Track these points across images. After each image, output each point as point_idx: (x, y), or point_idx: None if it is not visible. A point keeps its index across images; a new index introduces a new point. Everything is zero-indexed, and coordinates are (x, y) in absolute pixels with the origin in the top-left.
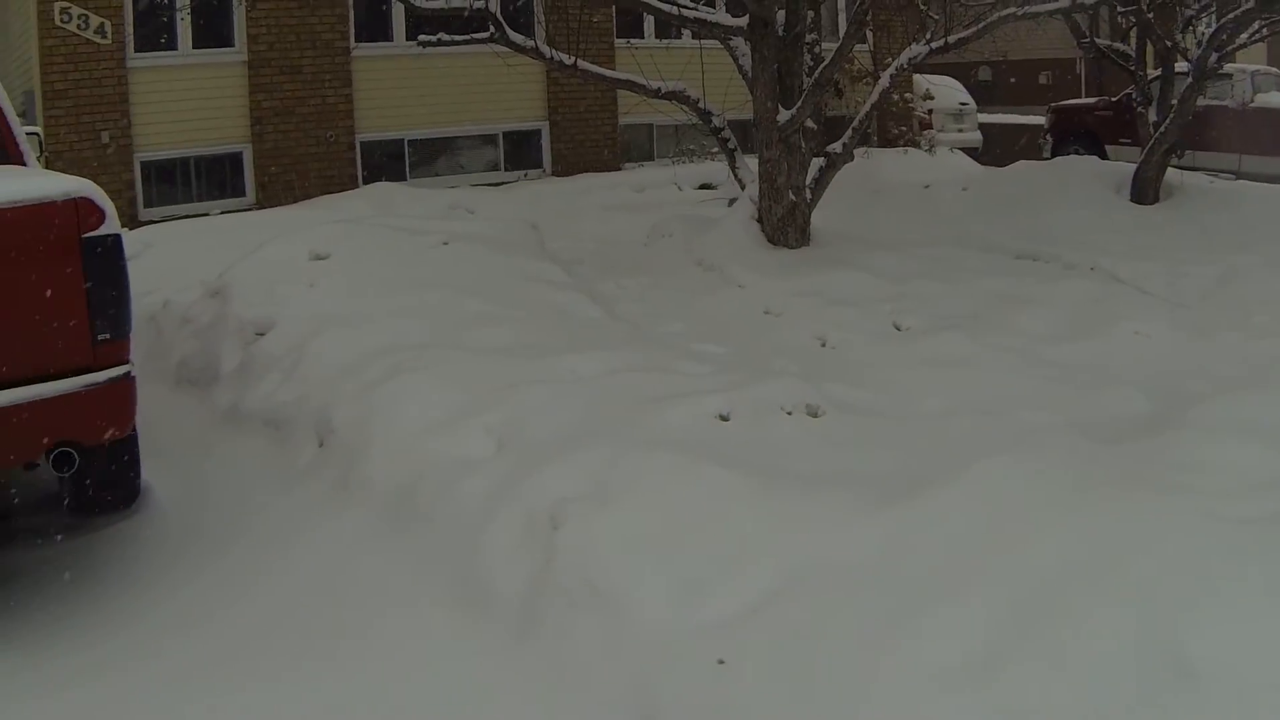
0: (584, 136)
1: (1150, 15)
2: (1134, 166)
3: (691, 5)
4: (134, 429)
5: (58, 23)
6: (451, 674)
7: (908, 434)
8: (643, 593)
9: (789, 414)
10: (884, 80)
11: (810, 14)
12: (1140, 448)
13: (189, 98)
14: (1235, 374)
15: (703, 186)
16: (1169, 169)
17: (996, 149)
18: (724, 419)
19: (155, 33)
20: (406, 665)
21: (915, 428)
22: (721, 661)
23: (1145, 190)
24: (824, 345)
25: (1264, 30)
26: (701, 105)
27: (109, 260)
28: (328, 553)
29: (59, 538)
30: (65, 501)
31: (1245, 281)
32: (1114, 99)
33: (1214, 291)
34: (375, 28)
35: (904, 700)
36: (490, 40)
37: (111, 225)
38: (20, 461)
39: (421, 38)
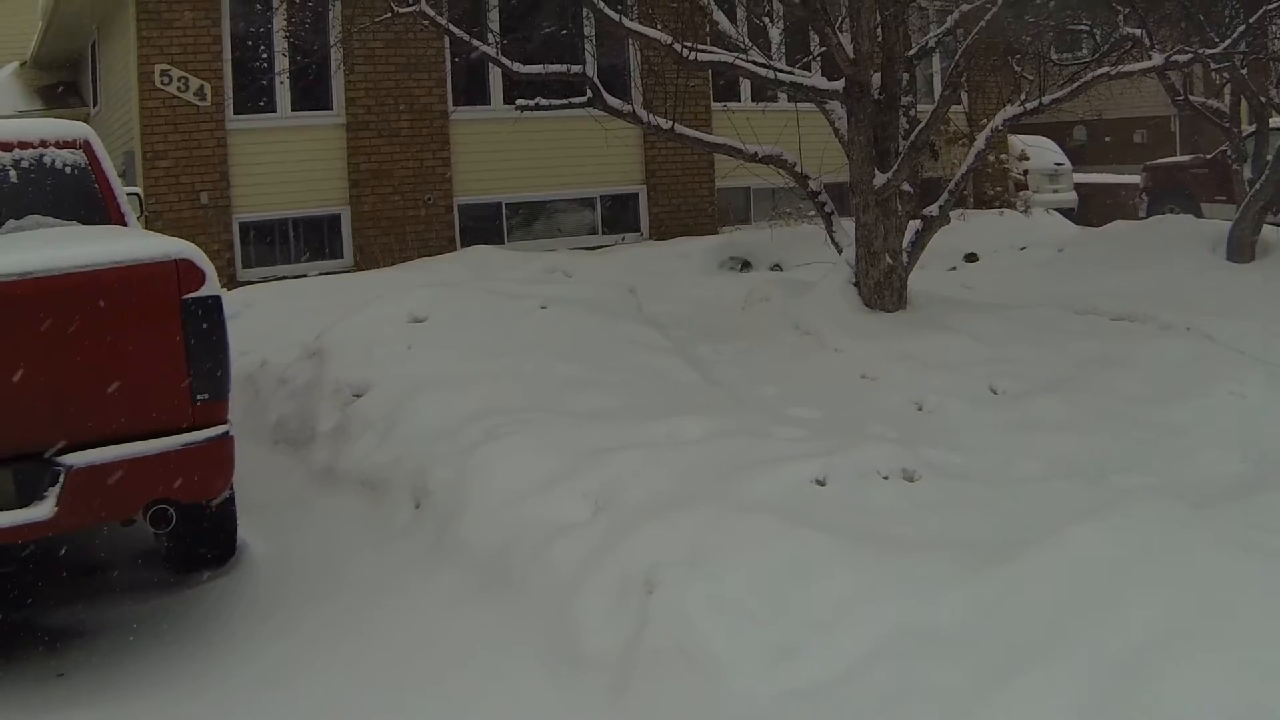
0: (681, 200)
1: (1244, 71)
2: (1229, 225)
3: (787, 69)
4: (231, 487)
5: (158, 85)
6: None
7: (1002, 498)
8: (735, 658)
9: (885, 479)
10: (979, 142)
11: (905, 77)
12: (1235, 510)
13: (288, 160)
14: None
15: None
16: (1265, 226)
17: (1093, 209)
18: (820, 484)
19: (255, 95)
20: None
21: (1010, 492)
22: None
23: (1241, 248)
24: (920, 409)
25: None
26: (798, 169)
27: (209, 321)
28: (421, 613)
29: (156, 593)
30: (163, 558)
31: None
32: (1209, 156)
33: None
34: (473, 92)
35: None
36: (587, 105)
37: (212, 286)
38: (119, 518)
39: (519, 102)
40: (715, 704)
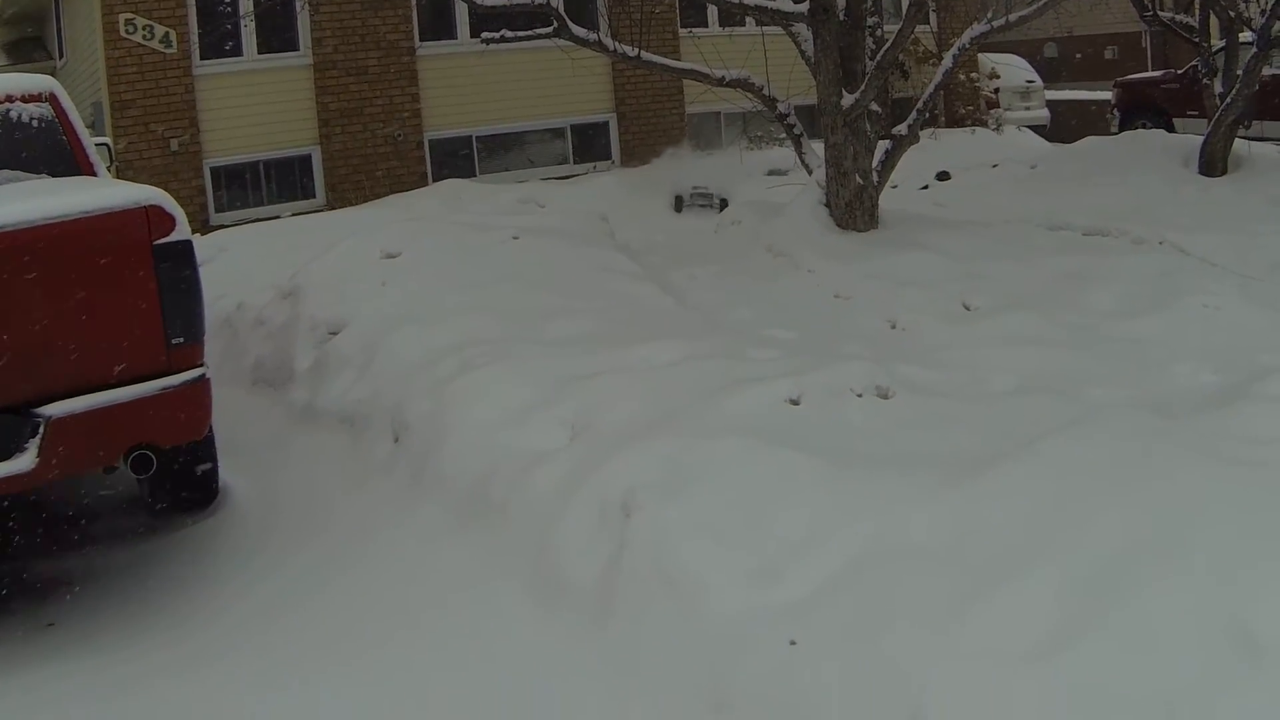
0: (651, 126)
1: None
2: (1201, 139)
3: None
4: (210, 430)
5: (123, 34)
6: (525, 662)
7: (977, 413)
8: (715, 578)
9: (859, 396)
10: (947, 60)
11: None
12: (1209, 422)
13: (256, 102)
14: None
15: (771, 173)
16: (1236, 140)
17: (1065, 126)
18: (794, 403)
19: (220, 40)
20: (481, 654)
21: (985, 407)
22: (793, 643)
23: (1213, 163)
24: (894, 327)
25: None
26: (766, 92)
27: (181, 266)
28: (404, 546)
29: (141, 539)
30: (145, 503)
31: None
32: (1180, 72)
33: None
34: (439, 26)
35: (974, 679)
36: (553, 35)
37: (182, 231)
38: (100, 466)
39: (485, 35)
40: (696, 624)
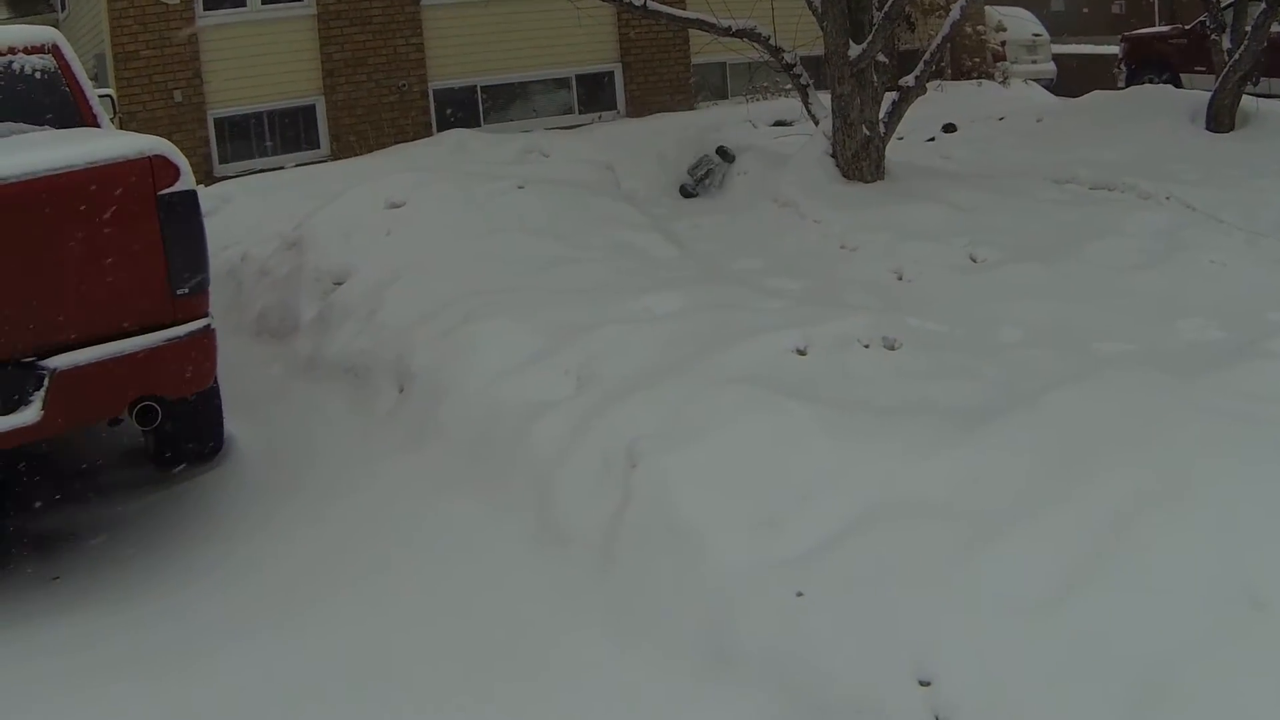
0: (656, 77)
1: None
2: (1209, 95)
3: None
4: (215, 381)
5: None
6: (527, 611)
7: (983, 365)
8: (719, 528)
9: (865, 347)
10: (955, 12)
11: None
12: (1215, 377)
13: (260, 53)
14: None
15: (777, 124)
16: (1244, 96)
17: (1071, 80)
18: (800, 353)
19: None
20: (483, 604)
21: (990, 359)
22: (799, 594)
23: (1220, 118)
24: (900, 279)
25: None
26: (772, 42)
27: (185, 216)
28: (408, 495)
29: (147, 491)
30: (151, 455)
31: None
32: (1187, 27)
33: None
34: None
35: (980, 630)
36: None
37: (186, 181)
38: (105, 417)
39: None
40: (700, 576)
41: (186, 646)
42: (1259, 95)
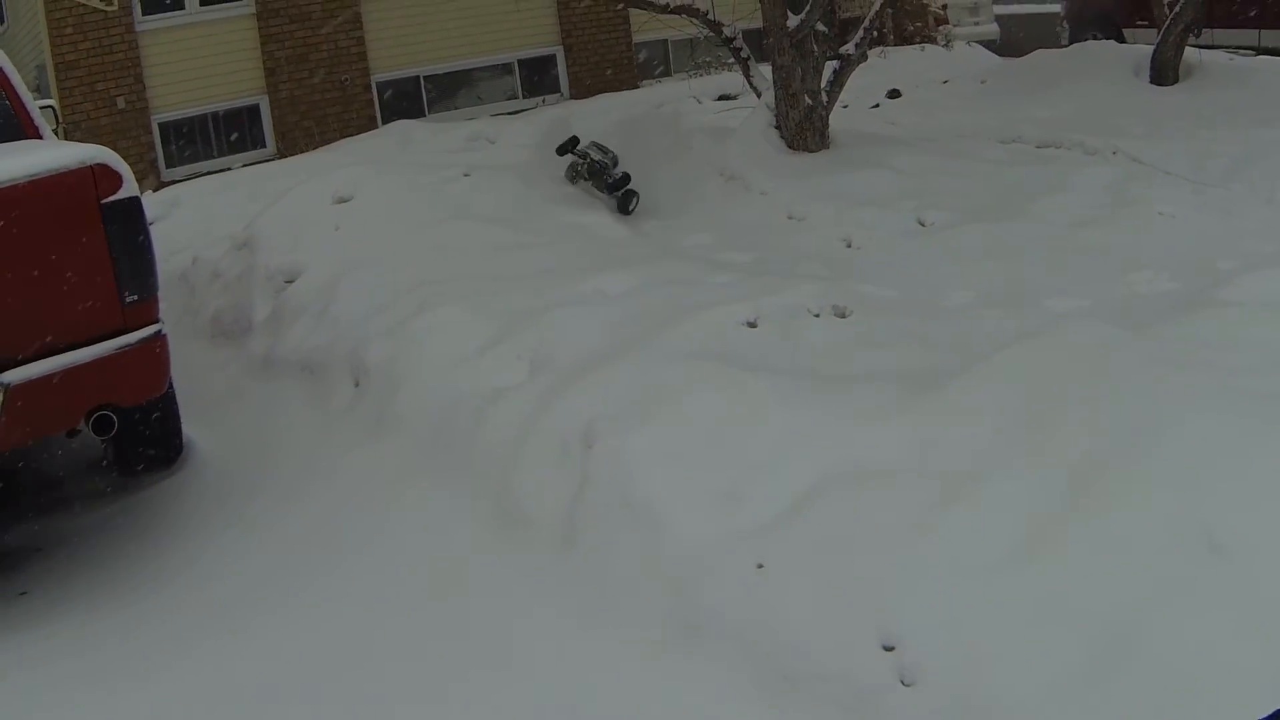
0: (599, 57)
1: None
2: (1151, 49)
3: None
4: (170, 386)
5: None
6: (492, 595)
7: (936, 328)
8: (679, 504)
9: (816, 316)
10: None
11: None
12: (1168, 328)
13: (201, 55)
14: (1264, 251)
15: (721, 98)
16: (1187, 49)
17: (1015, 40)
18: (752, 325)
19: None
20: (446, 590)
21: (943, 321)
22: (760, 566)
23: (1164, 71)
24: (849, 246)
25: None
26: (711, 17)
27: (130, 223)
28: (370, 488)
29: (108, 500)
30: (110, 464)
31: (1270, 159)
32: None
33: (1239, 170)
34: None
35: (942, 592)
36: None
37: (130, 188)
38: (62, 429)
39: None
40: (662, 551)
41: (171, 647)
42: (1202, 47)
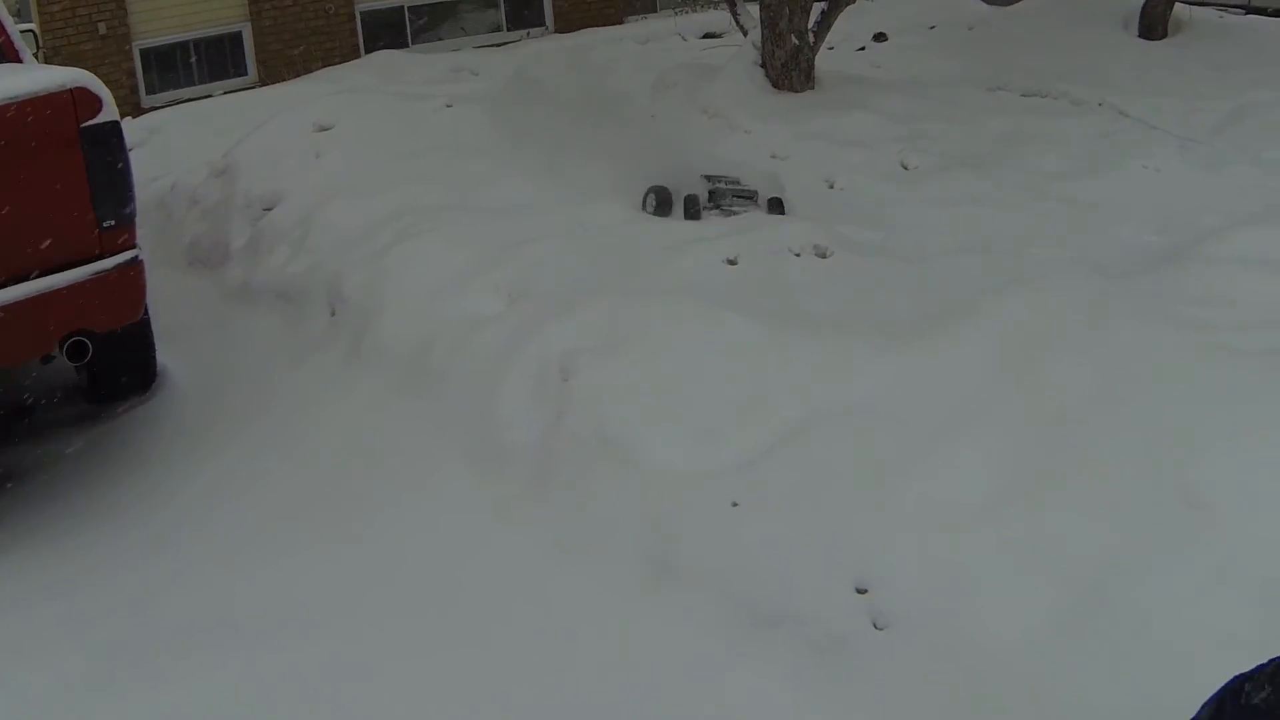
0: None
1: None
2: (1141, 2)
3: None
4: (146, 313)
5: None
6: (470, 527)
7: (917, 273)
8: (655, 440)
9: (797, 256)
10: None
11: None
12: (1152, 282)
13: None
14: (1248, 208)
15: (707, 36)
16: (1177, 3)
17: None
18: (732, 263)
19: None
20: (426, 523)
21: (925, 267)
22: (735, 504)
23: (1153, 25)
24: (831, 187)
25: None
26: None
27: (109, 147)
28: (344, 421)
29: (82, 428)
30: (86, 391)
31: (1257, 116)
32: None
33: (1225, 126)
34: None
35: (920, 537)
36: None
37: (110, 112)
38: (36, 355)
39: None
40: (638, 488)
41: (182, 578)
42: (1192, 3)
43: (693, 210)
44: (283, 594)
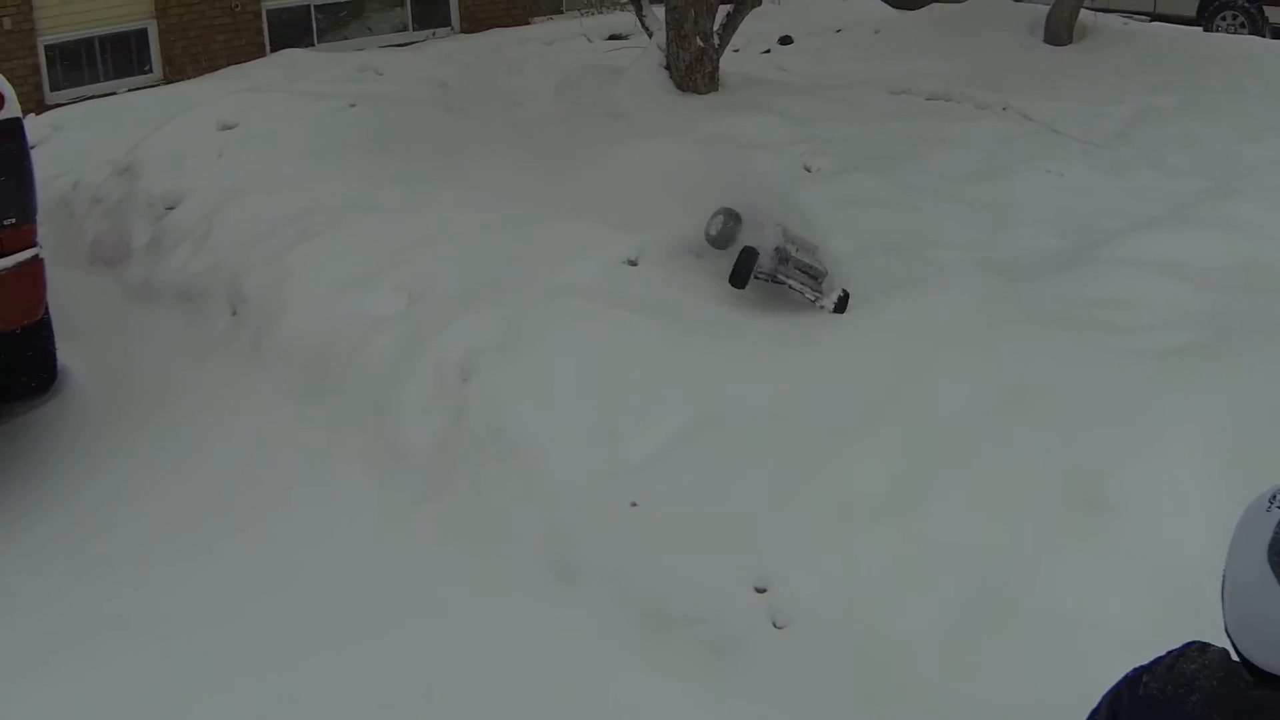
0: None
1: None
2: (1047, 8)
3: None
4: (46, 312)
5: None
6: (367, 528)
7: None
8: (555, 440)
9: (698, 257)
10: None
11: None
12: (1053, 285)
13: None
14: (1149, 212)
15: (612, 37)
16: (1082, 10)
17: None
18: (633, 264)
19: None
20: (323, 524)
21: (826, 267)
22: (634, 504)
23: (1059, 31)
24: None
25: None
26: None
27: (11, 144)
28: (243, 421)
29: None
30: None
31: (1159, 122)
32: None
33: (1128, 132)
34: None
35: (817, 536)
36: None
37: (12, 109)
38: None
39: None
40: (537, 488)
41: (78, 580)
42: (1098, 10)
43: (744, 269)
44: (175, 595)
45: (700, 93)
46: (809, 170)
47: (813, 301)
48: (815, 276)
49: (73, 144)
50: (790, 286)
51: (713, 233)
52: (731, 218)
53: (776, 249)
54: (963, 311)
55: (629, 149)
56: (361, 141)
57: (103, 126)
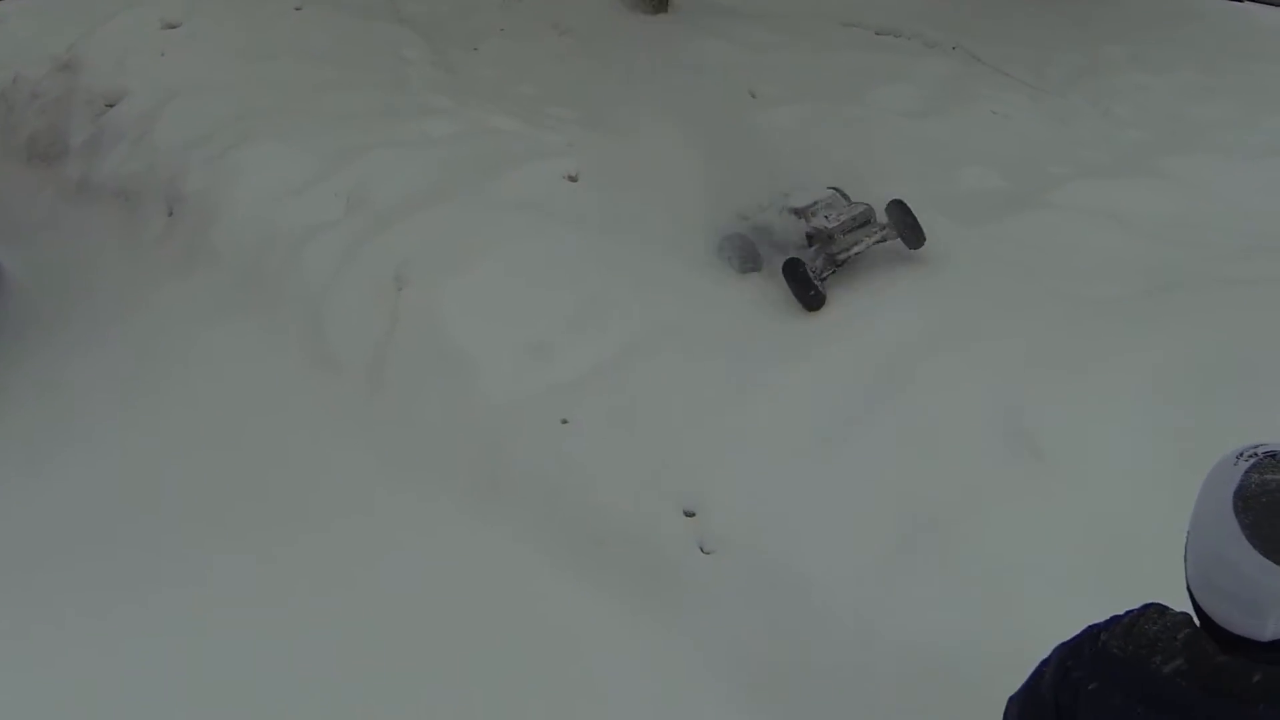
0: None
1: None
2: None
3: None
4: None
5: None
6: (299, 439)
7: None
8: (488, 354)
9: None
10: None
11: None
12: (996, 227)
13: None
14: (1097, 160)
15: None
16: None
17: None
18: (573, 180)
19: None
20: (254, 430)
21: None
22: (565, 421)
23: None
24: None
25: None
26: None
27: None
28: (175, 321)
29: None
30: None
31: (1111, 73)
32: None
33: (1078, 80)
34: None
35: (749, 464)
36: None
37: None
38: None
39: None
40: (469, 401)
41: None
42: None
43: (805, 285)
44: (90, 491)
45: (649, 13)
46: (754, 96)
47: (896, 242)
48: (868, 220)
49: (14, 37)
50: (859, 253)
51: (735, 265)
52: (735, 243)
53: (808, 236)
54: (902, 251)
55: (576, 65)
56: (306, 46)
57: (45, 20)
